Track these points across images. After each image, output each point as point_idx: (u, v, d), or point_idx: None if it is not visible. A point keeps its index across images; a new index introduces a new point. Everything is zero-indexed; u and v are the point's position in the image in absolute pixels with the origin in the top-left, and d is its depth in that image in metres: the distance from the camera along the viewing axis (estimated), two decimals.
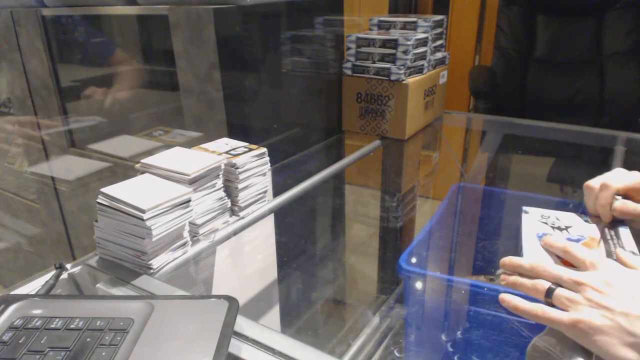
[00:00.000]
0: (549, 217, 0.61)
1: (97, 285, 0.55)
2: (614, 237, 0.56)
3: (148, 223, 0.54)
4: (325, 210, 1.09)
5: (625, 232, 0.56)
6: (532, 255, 0.53)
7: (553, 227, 0.59)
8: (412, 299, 0.78)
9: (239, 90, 0.91)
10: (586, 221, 0.60)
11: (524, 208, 0.64)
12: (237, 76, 0.90)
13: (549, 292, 0.46)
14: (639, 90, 1.61)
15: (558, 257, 0.52)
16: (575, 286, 0.45)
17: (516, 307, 0.47)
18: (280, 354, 0.44)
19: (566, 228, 0.59)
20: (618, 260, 0.49)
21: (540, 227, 0.59)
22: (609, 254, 0.52)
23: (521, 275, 0.50)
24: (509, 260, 0.51)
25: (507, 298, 0.49)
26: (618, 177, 0.56)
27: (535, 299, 0.47)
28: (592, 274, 0.45)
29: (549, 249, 0.53)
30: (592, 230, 0.58)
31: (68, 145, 1.30)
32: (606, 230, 0.57)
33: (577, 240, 0.56)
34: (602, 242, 0.55)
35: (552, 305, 0.46)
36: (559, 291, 0.46)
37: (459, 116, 1.38)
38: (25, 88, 1.31)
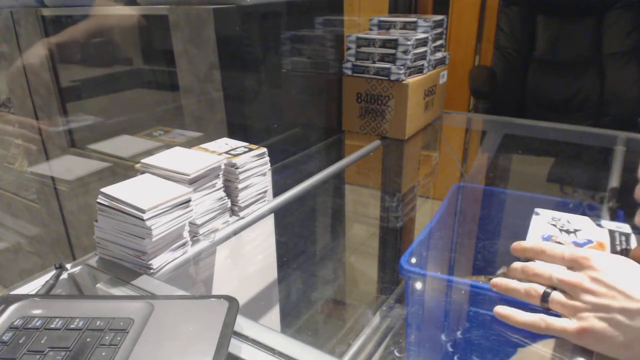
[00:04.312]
0: (559, 219, 0.60)
1: (97, 285, 0.55)
2: (623, 242, 0.54)
3: (148, 223, 0.54)
4: (325, 210, 1.09)
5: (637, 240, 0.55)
6: None
7: (561, 230, 0.57)
8: (413, 299, 0.77)
9: (239, 90, 0.91)
10: (598, 225, 0.58)
11: (536, 209, 0.62)
12: (237, 76, 0.90)
13: (545, 297, 0.44)
14: (639, 90, 1.61)
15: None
16: (568, 288, 0.43)
17: (516, 322, 0.45)
18: (280, 354, 0.44)
19: (575, 231, 0.57)
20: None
21: (548, 229, 0.57)
22: None
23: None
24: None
25: (503, 312, 0.46)
26: None
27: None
28: (579, 275, 0.43)
29: (521, 255, 0.50)
30: (602, 235, 0.56)
31: (68, 145, 1.30)
32: (616, 235, 0.56)
33: (584, 244, 0.54)
34: (609, 248, 0.54)
35: (549, 310, 0.44)
36: (555, 295, 0.44)
37: (459, 116, 1.38)
38: (25, 88, 1.31)
